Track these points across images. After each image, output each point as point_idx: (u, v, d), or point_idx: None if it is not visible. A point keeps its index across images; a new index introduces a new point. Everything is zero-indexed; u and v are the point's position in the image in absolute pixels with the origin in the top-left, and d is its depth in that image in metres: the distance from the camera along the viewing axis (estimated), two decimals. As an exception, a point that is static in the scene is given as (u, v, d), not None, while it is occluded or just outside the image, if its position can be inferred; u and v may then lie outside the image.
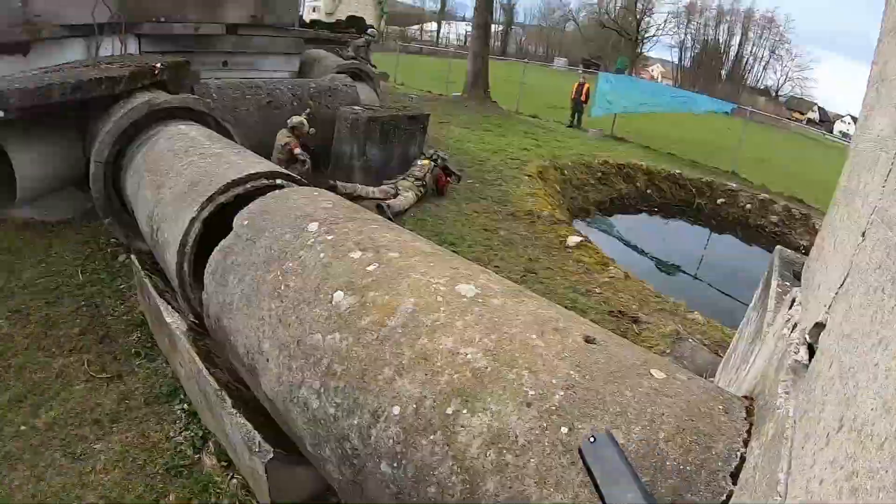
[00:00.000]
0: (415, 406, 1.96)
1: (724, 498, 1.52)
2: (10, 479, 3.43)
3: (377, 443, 2.02)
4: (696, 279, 10.44)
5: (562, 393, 1.79)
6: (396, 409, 2.00)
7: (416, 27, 66.79)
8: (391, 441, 1.98)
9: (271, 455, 2.84)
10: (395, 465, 1.95)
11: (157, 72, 8.00)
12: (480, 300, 2.23)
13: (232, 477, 3.38)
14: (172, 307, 4.02)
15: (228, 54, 13.18)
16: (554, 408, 1.76)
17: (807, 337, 1.63)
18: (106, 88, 7.12)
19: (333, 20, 21.45)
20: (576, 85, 21.45)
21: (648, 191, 14.25)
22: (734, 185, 14.67)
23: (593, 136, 18.85)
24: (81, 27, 11.43)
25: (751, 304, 3.19)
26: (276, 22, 13.64)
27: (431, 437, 1.88)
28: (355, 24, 21.33)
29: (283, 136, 7.86)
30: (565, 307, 2.58)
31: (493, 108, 20.78)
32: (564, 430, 1.71)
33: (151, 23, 12.28)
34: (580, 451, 1.34)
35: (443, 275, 2.42)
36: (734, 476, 1.56)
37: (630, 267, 7.95)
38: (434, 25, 68.30)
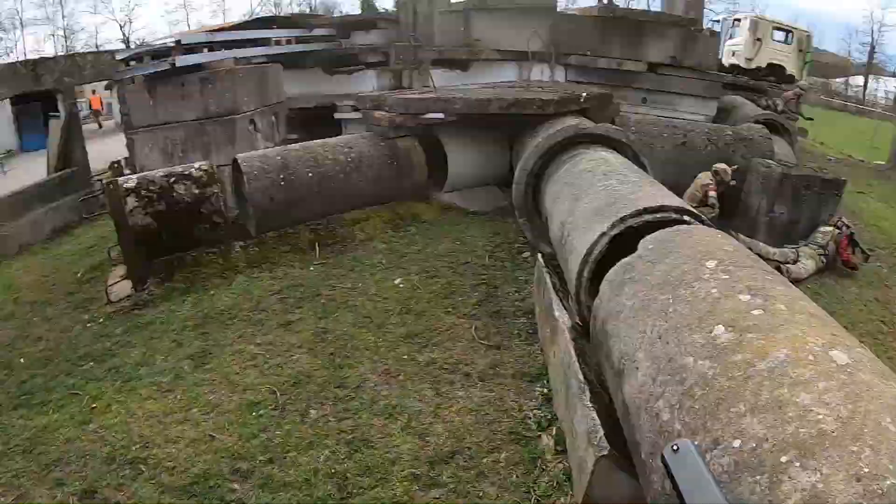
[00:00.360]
0: (754, 445, 2.15)
1: None
2: (381, 391, 4.63)
3: (718, 472, 2.26)
4: None
5: (894, 480, 1.85)
6: (737, 443, 2.21)
7: (840, 80, 59.83)
8: (720, 469, 2.19)
9: (606, 451, 3.22)
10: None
11: (582, 100, 8.87)
12: (849, 370, 2.31)
13: (560, 462, 3.84)
14: (563, 305, 4.66)
15: (647, 91, 13.82)
16: (881, 492, 1.82)
17: None
18: (537, 108, 8.23)
19: (753, 66, 20.72)
20: None
21: None
22: None
23: None
24: (513, 53, 13.28)
25: None
26: (695, 64, 13.85)
27: (757, 477, 2.05)
28: (775, 72, 20.36)
29: (705, 177, 8.11)
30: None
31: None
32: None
33: (578, 55, 13.55)
34: (662, 459, 1.43)
35: (821, 337, 2.53)
36: None
37: None
38: (860, 80, 60.64)
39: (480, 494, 3.62)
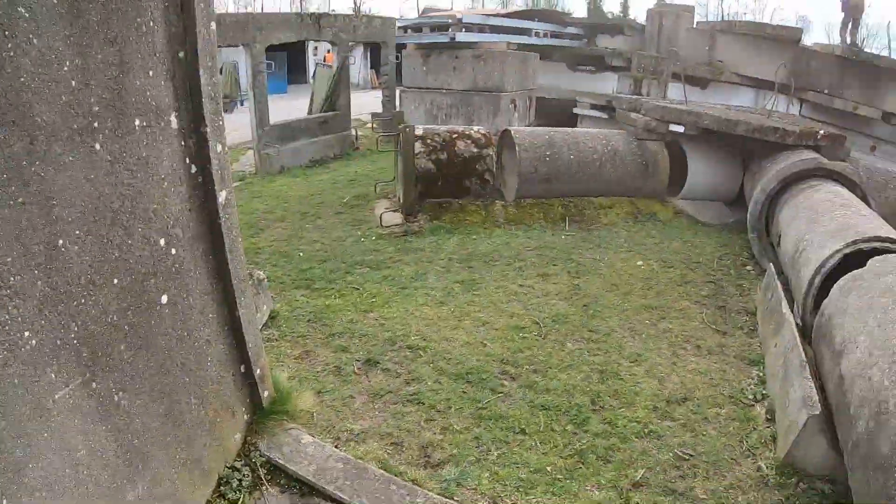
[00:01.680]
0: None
1: None
2: (626, 341, 5.81)
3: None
4: None
5: None
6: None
7: None
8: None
9: (818, 411, 4.13)
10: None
11: (819, 137, 9.46)
12: None
13: (769, 428, 4.71)
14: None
15: (878, 140, 13.80)
16: None
17: None
18: (778, 137, 8.97)
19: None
20: None
21: None
22: None
23: None
24: (752, 79, 13.84)
25: None
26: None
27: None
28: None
29: None
30: None
31: None
32: None
33: (815, 92, 13.82)
34: None
35: None
36: None
37: None
38: None
39: (704, 432, 4.59)
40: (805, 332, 5.29)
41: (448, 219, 8.79)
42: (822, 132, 9.60)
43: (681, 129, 9.50)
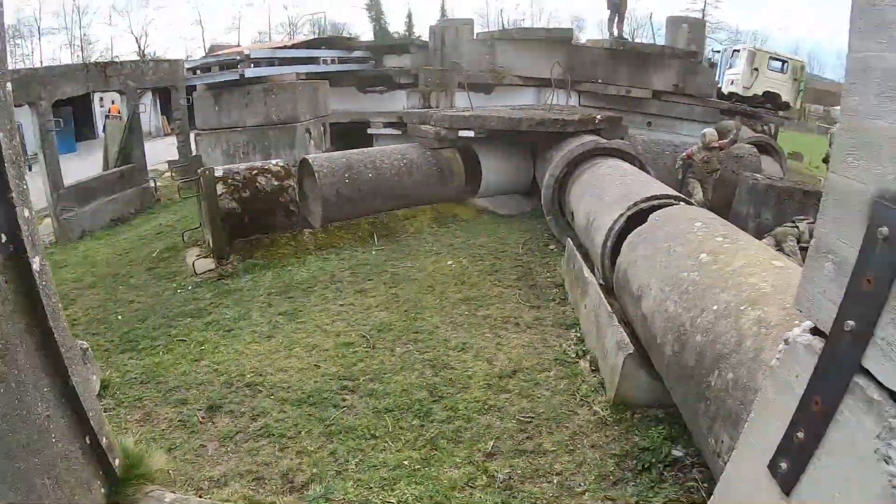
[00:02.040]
0: (725, 305, 3.63)
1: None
2: (450, 334, 6.12)
3: (698, 325, 3.73)
4: None
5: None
6: (715, 306, 3.70)
7: (838, 108, 61.65)
8: (705, 322, 3.67)
9: (631, 351, 4.66)
10: (704, 335, 3.64)
11: (597, 122, 10.48)
12: (783, 267, 3.82)
13: (595, 376, 5.24)
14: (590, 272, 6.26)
15: (652, 116, 15.52)
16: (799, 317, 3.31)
17: None
18: (560, 127, 9.86)
19: (750, 94, 22.34)
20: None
21: None
22: None
23: None
24: (532, 79, 15.15)
25: None
26: (696, 92, 15.56)
27: (728, 319, 3.52)
28: (771, 99, 21.96)
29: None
30: None
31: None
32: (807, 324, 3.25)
33: (591, 83, 15.34)
34: None
35: (766, 255, 4.07)
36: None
37: None
38: None
39: (539, 395, 5.00)
40: (608, 289, 5.90)
41: (260, 255, 8.76)
42: (599, 117, 10.64)
43: (470, 133, 10.17)
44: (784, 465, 1.83)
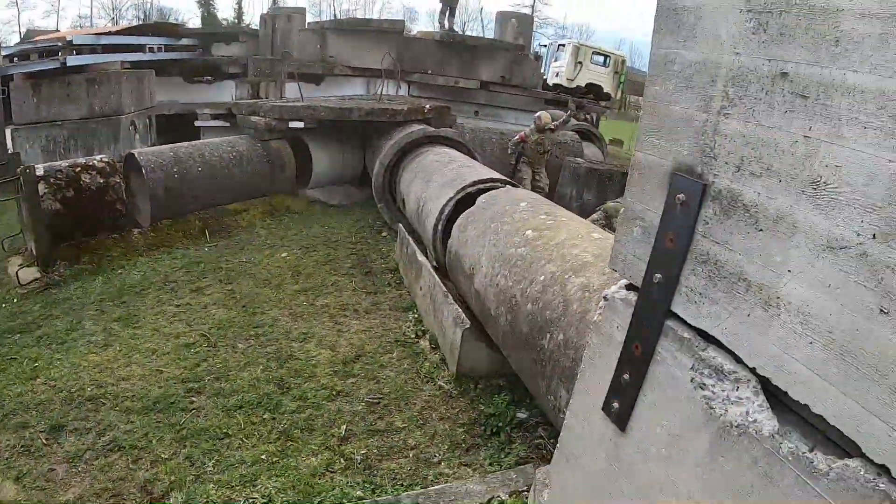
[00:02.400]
0: (551, 275, 3.98)
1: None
2: (291, 325, 6.08)
3: (528, 295, 4.06)
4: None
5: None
6: (542, 277, 4.04)
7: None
8: (534, 292, 4.01)
9: (468, 325, 4.95)
10: (534, 304, 3.97)
11: (426, 111, 10.79)
12: (600, 238, 4.25)
13: (436, 354, 5.51)
14: (423, 255, 6.48)
15: (480, 105, 16.16)
16: (616, 277, 3.69)
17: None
18: (389, 117, 10.06)
19: (574, 86, 23.90)
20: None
21: None
22: None
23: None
24: (363, 70, 15.24)
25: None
26: (522, 83, 16.41)
27: (555, 287, 3.88)
28: (594, 90, 23.62)
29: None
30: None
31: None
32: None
33: (421, 73, 15.70)
34: None
35: (586, 229, 4.51)
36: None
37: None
38: None
39: (384, 376, 5.19)
40: (441, 270, 6.20)
41: (88, 259, 8.14)
42: (428, 106, 10.96)
43: (300, 124, 10.10)
44: (616, 405, 2.09)
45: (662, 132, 1.86)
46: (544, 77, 22.94)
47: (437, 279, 5.74)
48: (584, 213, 10.79)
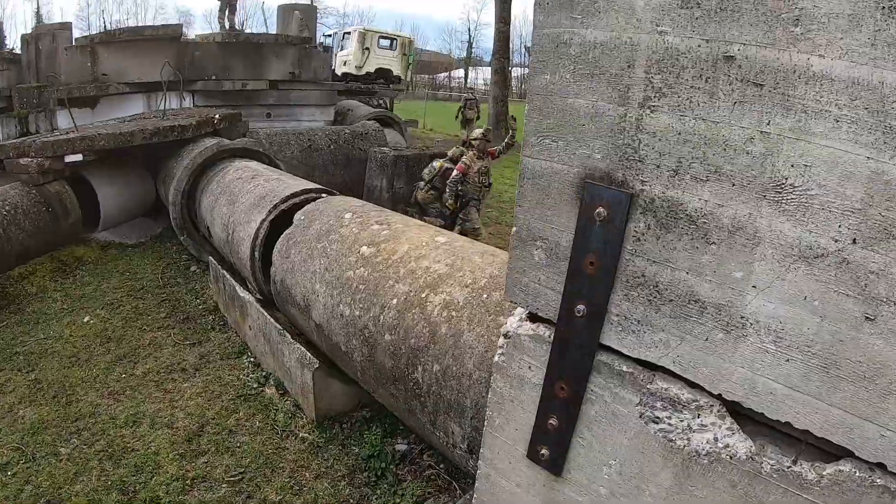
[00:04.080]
0: (404, 296, 3.65)
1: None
2: (116, 408, 5.15)
3: (383, 323, 3.70)
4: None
5: (486, 280, 3.46)
6: (394, 301, 3.68)
7: (444, 74, 70.13)
8: (391, 319, 3.65)
9: (317, 364, 4.50)
10: (392, 333, 3.61)
11: (216, 122, 9.98)
12: (448, 243, 3.95)
13: (286, 400, 5.01)
14: (244, 289, 5.84)
15: (272, 107, 15.41)
16: (480, 287, 3.43)
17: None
18: (178, 135, 9.13)
19: (363, 73, 23.76)
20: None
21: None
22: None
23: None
24: (142, 84, 13.84)
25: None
26: (312, 77, 15.84)
27: (414, 311, 3.55)
28: (384, 75, 23.61)
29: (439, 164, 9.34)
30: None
31: (515, 149, 22.40)
32: (485, 296, 3.37)
33: (205, 80, 14.62)
34: None
35: (428, 234, 4.17)
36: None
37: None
38: (462, 72, 71.75)
39: (238, 444, 4.56)
40: (269, 302, 5.61)
41: None
42: (217, 116, 10.12)
43: (79, 157, 8.84)
44: (545, 452, 1.84)
45: (562, 132, 1.56)
46: (333, 68, 22.57)
47: (268, 316, 5.19)
48: (398, 202, 10.61)
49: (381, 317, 3.72)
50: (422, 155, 10.89)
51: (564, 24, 1.50)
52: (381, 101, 19.48)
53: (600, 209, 1.48)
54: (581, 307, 1.59)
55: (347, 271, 4.18)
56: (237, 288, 5.86)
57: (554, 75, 1.55)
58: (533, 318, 1.84)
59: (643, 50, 1.36)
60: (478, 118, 20.22)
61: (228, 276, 6.18)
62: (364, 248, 4.22)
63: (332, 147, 11.24)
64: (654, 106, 1.37)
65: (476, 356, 3.03)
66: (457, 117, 20.26)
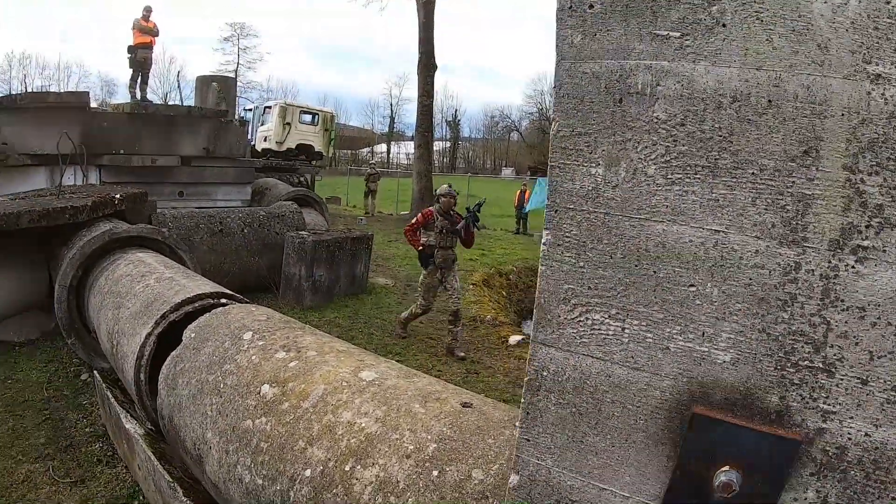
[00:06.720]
0: (321, 468, 2.47)
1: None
2: None
3: (294, 502, 2.52)
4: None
5: (435, 445, 2.34)
6: (308, 472, 2.50)
7: (366, 149, 69.71)
8: (304, 499, 2.47)
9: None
10: (309, 519, 2.44)
11: (117, 202, 8.56)
12: (377, 382, 2.80)
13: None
14: (131, 416, 4.46)
15: (184, 185, 13.90)
16: (428, 456, 2.30)
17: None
18: (70, 217, 7.63)
19: (284, 148, 22.60)
20: (518, 192, 22.91)
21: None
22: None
23: (539, 239, 19.91)
24: (45, 157, 12.06)
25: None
26: (227, 153, 14.48)
27: (334, 490, 2.37)
28: (305, 150, 22.50)
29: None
30: (504, 400, 3.05)
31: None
32: (435, 472, 2.24)
33: (111, 155, 13.02)
34: None
35: (350, 366, 2.99)
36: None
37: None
38: (384, 147, 71.49)
39: None
40: (161, 436, 4.23)
41: None
42: (119, 195, 8.70)
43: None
44: None
45: (637, 301, 0.89)
46: (252, 143, 21.31)
47: (156, 462, 3.81)
48: (319, 293, 9.43)
49: (292, 494, 2.52)
50: (343, 239, 9.79)
51: (639, 50, 0.73)
52: (302, 179, 18.30)
53: (727, 471, 0.73)
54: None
55: (245, 420, 2.95)
56: (122, 417, 4.42)
57: (612, 167, 0.76)
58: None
59: (839, 114, 0.58)
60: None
61: (112, 398, 4.76)
62: (266, 387, 3.02)
63: (245, 231, 9.89)
64: (865, 248, 0.59)
65: None
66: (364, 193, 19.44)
